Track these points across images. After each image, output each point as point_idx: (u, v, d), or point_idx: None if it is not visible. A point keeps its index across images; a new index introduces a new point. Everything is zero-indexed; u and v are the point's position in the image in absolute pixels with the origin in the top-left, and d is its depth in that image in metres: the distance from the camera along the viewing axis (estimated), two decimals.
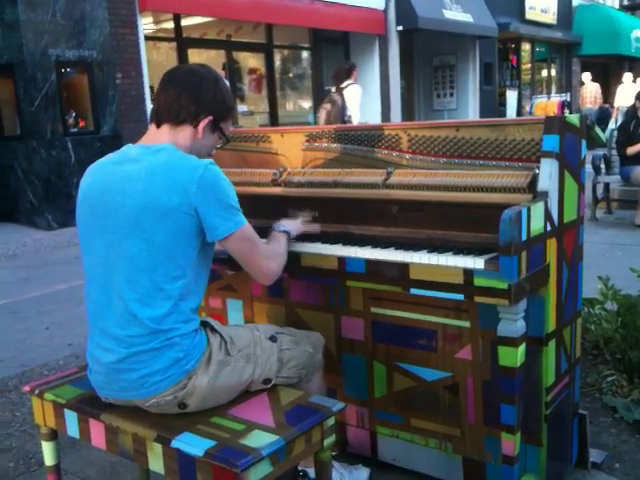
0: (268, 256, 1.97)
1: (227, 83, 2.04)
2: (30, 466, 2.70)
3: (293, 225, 2.22)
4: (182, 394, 1.82)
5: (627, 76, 15.92)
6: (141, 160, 1.84)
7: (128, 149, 1.92)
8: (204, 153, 1.98)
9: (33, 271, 6.48)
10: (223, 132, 2.02)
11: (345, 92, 7.67)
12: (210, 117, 1.93)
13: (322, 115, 7.67)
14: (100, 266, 1.86)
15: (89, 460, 2.68)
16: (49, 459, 2.09)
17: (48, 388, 2.06)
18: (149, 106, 9.41)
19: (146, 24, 10.24)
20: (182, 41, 11.11)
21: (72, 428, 2.00)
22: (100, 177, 1.91)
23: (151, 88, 9.72)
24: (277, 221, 2.21)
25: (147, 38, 9.90)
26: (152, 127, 1.96)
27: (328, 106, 7.67)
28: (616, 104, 14.47)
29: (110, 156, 1.94)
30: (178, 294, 1.81)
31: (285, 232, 2.14)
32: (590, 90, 16.04)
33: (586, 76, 16.51)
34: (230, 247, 1.89)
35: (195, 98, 1.90)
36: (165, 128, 1.92)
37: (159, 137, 1.92)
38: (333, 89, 8.05)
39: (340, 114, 7.54)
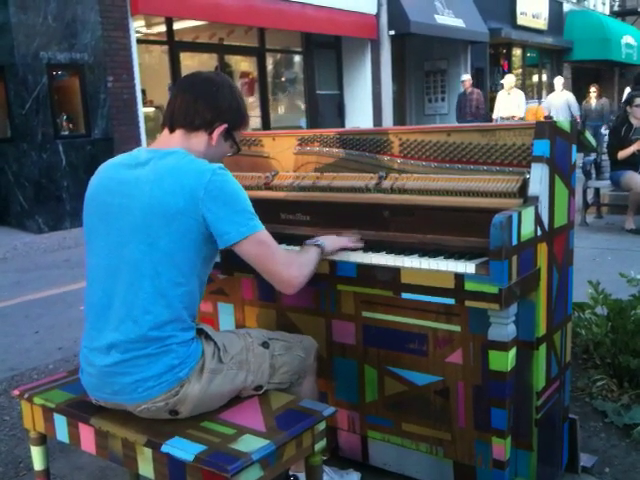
0: (288, 263, 1.88)
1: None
2: (19, 471, 2.68)
3: (330, 240, 2.12)
4: (174, 401, 1.81)
5: (508, 79, 12.82)
6: (150, 163, 1.83)
7: (139, 152, 1.91)
8: (215, 161, 1.95)
9: (24, 275, 6.45)
10: (235, 141, 2.00)
11: None
12: (225, 125, 1.92)
13: None
14: (103, 269, 1.85)
15: (79, 465, 2.66)
16: (38, 464, 2.08)
17: (37, 392, 2.04)
18: (141, 109, 9.40)
19: (138, 27, 10.22)
20: (174, 44, 11.10)
21: (61, 432, 1.99)
22: (108, 179, 1.89)
23: (143, 91, 9.71)
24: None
25: (139, 41, 9.88)
26: (165, 131, 1.94)
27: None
28: (494, 115, 12.69)
29: (120, 157, 1.93)
30: (180, 301, 1.80)
31: (317, 245, 2.05)
32: (469, 99, 12.50)
33: (558, 80, 13.84)
34: (244, 253, 1.84)
35: (212, 106, 1.89)
36: (179, 133, 1.91)
37: (171, 141, 1.90)
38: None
39: None
